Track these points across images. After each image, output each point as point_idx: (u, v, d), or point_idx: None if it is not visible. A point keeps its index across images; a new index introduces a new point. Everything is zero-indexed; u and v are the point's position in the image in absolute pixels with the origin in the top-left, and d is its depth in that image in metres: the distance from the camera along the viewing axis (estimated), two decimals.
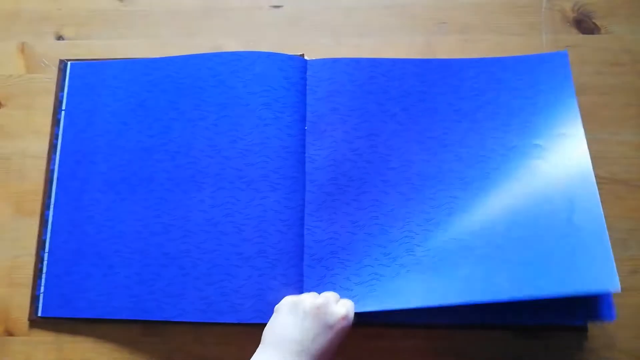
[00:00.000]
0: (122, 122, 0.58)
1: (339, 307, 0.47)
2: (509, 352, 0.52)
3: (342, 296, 0.50)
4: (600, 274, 0.45)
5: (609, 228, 0.54)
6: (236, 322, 0.51)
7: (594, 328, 0.52)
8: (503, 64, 0.58)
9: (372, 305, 0.50)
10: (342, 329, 0.46)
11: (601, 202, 0.55)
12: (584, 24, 0.61)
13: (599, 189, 0.55)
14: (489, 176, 0.53)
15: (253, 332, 0.47)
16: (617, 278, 0.44)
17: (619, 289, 0.44)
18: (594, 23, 0.61)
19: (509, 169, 0.53)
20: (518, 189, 0.52)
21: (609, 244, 0.47)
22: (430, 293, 0.49)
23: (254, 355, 0.44)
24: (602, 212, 0.49)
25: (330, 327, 0.45)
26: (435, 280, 0.49)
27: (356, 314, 0.49)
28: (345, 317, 0.46)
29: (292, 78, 0.57)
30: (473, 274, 0.48)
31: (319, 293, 0.50)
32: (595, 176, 0.56)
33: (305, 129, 0.56)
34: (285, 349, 0.43)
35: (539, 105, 0.55)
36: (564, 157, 0.52)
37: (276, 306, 0.48)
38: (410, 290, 0.49)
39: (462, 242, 0.51)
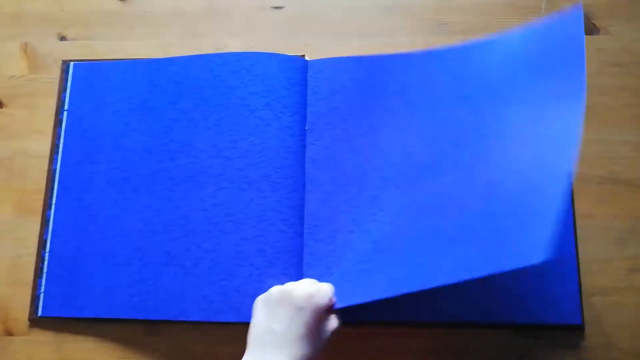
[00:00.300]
0: (124, 123, 0.58)
1: (305, 287, 0.46)
2: (509, 351, 0.52)
3: (338, 293, 0.51)
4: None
5: (608, 228, 0.55)
6: (237, 321, 0.51)
7: (591, 327, 0.52)
8: (510, 40, 0.53)
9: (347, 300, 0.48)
10: (315, 307, 0.44)
11: (601, 201, 0.56)
12: (584, 25, 0.61)
13: (599, 188, 0.56)
14: (481, 159, 0.50)
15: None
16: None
17: (544, 259, 0.34)
18: (594, 24, 0.61)
19: (501, 149, 0.49)
20: (509, 173, 0.46)
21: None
22: (394, 283, 0.46)
23: None
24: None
25: (301, 308, 0.44)
26: (400, 269, 0.47)
27: (355, 313, 0.49)
28: (312, 295, 0.45)
29: (293, 78, 0.57)
30: (436, 259, 0.44)
31: None
32: (596, 176, 0.56)
33: (305, 129, 0.56)
34: (266, 346, 0.43)
35: (545, 77, 0.49)
36: (553, 137, 0.44)
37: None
38: (377, 283, 0.48)
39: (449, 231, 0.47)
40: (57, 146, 0.59)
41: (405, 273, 0.46)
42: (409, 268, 0.46)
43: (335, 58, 0.58)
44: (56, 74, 0.62)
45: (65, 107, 0.60)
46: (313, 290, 0.45)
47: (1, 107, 0.62)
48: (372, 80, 0.57)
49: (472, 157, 0.51)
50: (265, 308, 0.45)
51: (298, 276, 0.52)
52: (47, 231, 0.56)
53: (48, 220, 0.57)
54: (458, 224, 0.46)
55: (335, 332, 0.46)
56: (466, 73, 0.55)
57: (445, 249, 0.45)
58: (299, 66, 0.58)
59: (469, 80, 0.55)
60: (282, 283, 0.51)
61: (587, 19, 0.61)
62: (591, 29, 0.61)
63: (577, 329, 0.52)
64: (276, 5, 0.64)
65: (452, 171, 0.52)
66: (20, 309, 0.55)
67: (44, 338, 0.55)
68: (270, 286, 0.51)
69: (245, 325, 0.50)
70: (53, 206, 0.57)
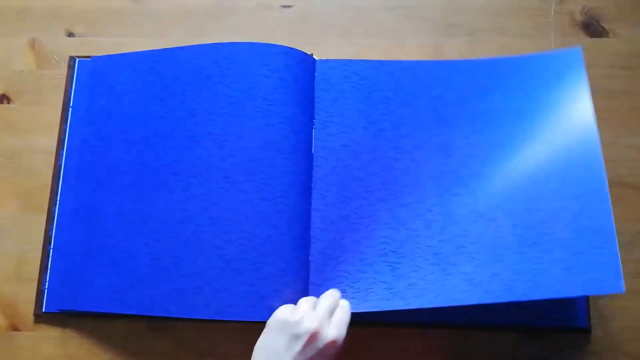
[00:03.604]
0: (131, 116, 0.57)
1: (331, 330, 0.45)
2: (516, 354, 0.53)
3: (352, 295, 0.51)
4: (605, 276, 0.45)
5: (615, 231, 0.55)
6: (246, 320, 0.50)
7: (597, 330, 0.53)
8: (514, 63, 0.57)
9: (371, 307, 0.50)
10: (332, 352, 0.45)
11: None
12: (592, 28, 0.61)
13: None
14: (497, 175, 0.53)
15: (261, 329, 0.47)
16: (622, 280, 0.45)
17: (623, 290, 0.44)
18: (602, 27, 0.61)
19: (517, 169, 0.53)
20: (526, 191, 0.51)
21: (617, 245, 0.46)
22: (433, 293, 0.49)
23: None
24: (612, 215, 0.48)
25: (320, 351, 0.44)
26: (438, 278, 0.50)
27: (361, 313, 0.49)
28: (335, 340, 0.45)
29: (306, 75, 0.57)
30: (476, 273, 0.48)
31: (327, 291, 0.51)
32: None
33: (313, 128, 0.56)
34: None
35: (550, 106, 0.54)
36: (575, 160, 0.51)
37: (268, 321, 0.47)
38: (412, 291, 0.50)
39: (467, 239, 0.51)
40: (64, 142, 0.59)
41: (445, 285, 0.49)
42: (449, 280, 0.49)
43: (344, 60, 0.58)
44: (64, 70, 0.62)
45: (71, 103, 0.60)
46: (335, 336, 0.45)
47: (8, 103, 0.62)
48: (380, 84, 0.57)
49: (490, 175, 0.53)
50: (282, 335, 0.45)
51: (304, 283, 0.52)
52: (53, 227, 0.56)
53: (54, 216, 0.57)
54: (496, 242, 0.49)
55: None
56: (471, 88, 0.56)
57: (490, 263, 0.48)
58: (309, 63, 0.58)
59: (474, 97, 0.56)
60: (290, 281, 0.51)
61: (596, 22, 0.62)
62: (600, 32, 0.61)
63: (584, 332, 0.52)
64: (285, 4, 0.64)
65: (465, 185, 0.53)
66: (26, 305, 0.55)
67: (49, 334, 0.55)
68: (281, 286, 0.51)
69: (253, 323, 0.50)
70: (58, 202, 0.57)
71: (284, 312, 0.47)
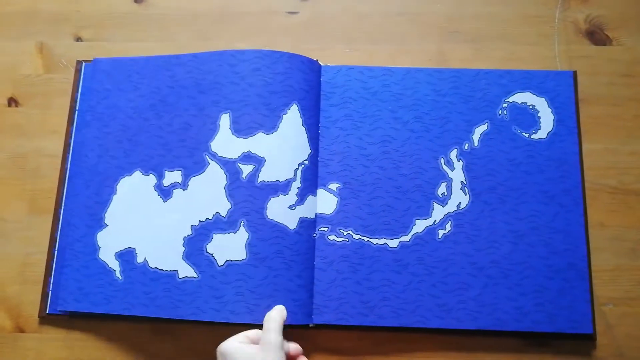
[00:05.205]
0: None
1: None
2: (520, 359, 0.53)
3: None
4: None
5: (620, 237, 0.55)
6: (251, 322, 0.51)
7: (602, 337, 0.53)
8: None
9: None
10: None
11: (613, 211, 0.56)
12: (596, 36, 0.62)
13: (610, 198, 0.56)
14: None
15: None
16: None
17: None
18: (606, 35, 0.62)
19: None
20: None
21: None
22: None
23: None
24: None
25: None
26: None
27: (364, 317, 0.49)
28: None
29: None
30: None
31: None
32: (607, 186, 0.57)
33: (318, 133, 0.57)
34: None
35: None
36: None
37: None
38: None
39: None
40: (70, 145, 0.59)
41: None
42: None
43: (349, 66, 0.59)
44: (71, 74, 0.62)
45: (77, 107, 0.60)
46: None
47: (16, 106, 0.62)
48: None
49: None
50: None
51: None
52: (58, 229, 0.57)
53: (59, 219, 0.57)
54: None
55: None
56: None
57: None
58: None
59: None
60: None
61: (600, 30, 0.62)
62: (604, 40, 0.62)
63: (589, 338, 0.52)
64: (291, 11, 0.64)
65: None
66: (31, 307, 0.56)
67: (54, 335, 0.55)
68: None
69: (259, 327, 0.50)
70: (64, 204, 0.57)
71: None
